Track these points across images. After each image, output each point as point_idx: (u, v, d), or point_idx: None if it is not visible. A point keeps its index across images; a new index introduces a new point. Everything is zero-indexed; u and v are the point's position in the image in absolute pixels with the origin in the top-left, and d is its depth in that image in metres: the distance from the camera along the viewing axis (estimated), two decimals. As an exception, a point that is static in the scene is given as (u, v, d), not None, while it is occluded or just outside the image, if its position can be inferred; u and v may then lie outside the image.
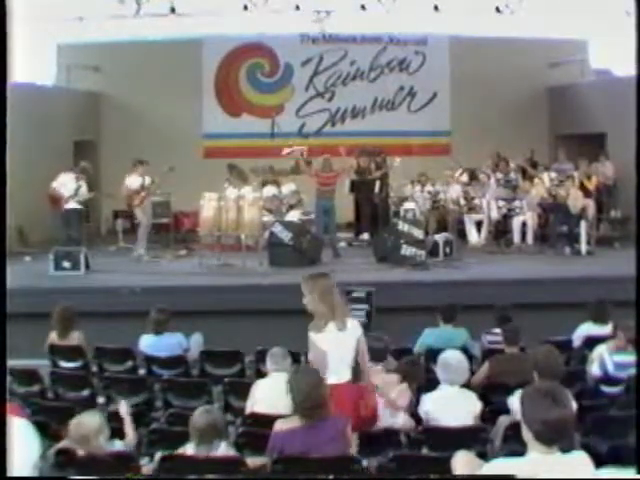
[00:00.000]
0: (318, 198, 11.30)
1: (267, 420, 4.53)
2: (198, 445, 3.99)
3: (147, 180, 11.00)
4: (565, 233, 11.21)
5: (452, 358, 4.97)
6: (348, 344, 4.49)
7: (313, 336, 4.43)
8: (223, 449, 4.02)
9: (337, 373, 4.46)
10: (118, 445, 4.22)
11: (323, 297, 4.43)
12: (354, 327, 4.55)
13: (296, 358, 6.01)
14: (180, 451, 4.09)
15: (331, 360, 4.43)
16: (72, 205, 10.66)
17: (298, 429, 3.99)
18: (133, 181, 10.99)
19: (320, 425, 3.98)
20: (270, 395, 4.98)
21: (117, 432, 4.35)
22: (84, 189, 10.78)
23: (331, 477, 3.90)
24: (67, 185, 10.62)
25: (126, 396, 5.78)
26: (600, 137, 13.66)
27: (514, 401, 4.50)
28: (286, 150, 11.97)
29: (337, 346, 4.44)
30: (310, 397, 3.95)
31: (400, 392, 4.97)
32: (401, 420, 4.65)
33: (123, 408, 4.62)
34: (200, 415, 4.02)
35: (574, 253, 10.91)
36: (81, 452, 3.93)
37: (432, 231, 11.46)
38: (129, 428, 4.49)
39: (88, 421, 3.98)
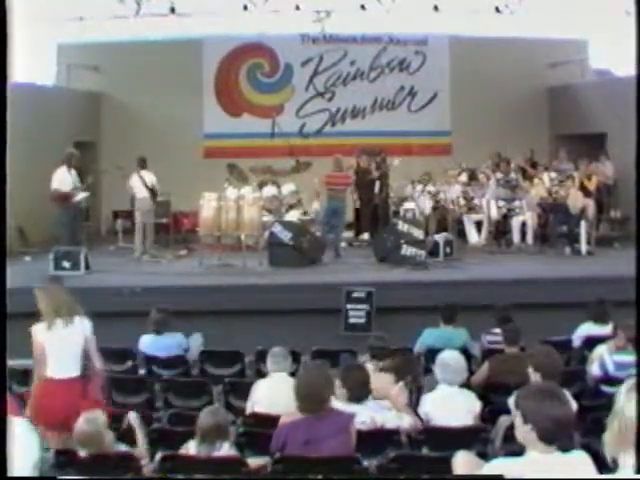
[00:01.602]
0: (330, 199, 11.19)
1: (268, 420, 4.55)
2: (201, 444, 3.99)
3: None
4: (565, 233, 11.20)
5: (450, 358, 4.98)
6: (74, 340, 4.89)
7: (35, 331, 4.85)
8: (226, 449, 4.02)
9: (63, 368, 4.84)
10: (122, 448, 4.22)
11: (50, 298, 4.90)
12: (83, 325, 4.95)
13: (296, 358, 6.02)
14: (182, 449, 4.10)
15: (57, 355, 4.83)
16: (80, 196, 10.65)
17: (301, 421, 4.05)
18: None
19: (323, 418, 4.03)
20: (270, 395, 5.00)
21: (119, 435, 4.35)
22: (76, 178, 10.73)
23: (331, 477, 3.90)
24: (64, 180, 10.55)
25: (126, 396, 5.80)
26: (600, 137, 13.65)
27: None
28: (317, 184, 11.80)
29: (62, 342, 4.83)
30: (311, 393, 4.03)
31: (398, 391, 4.97)
32: (407, 423, 4.64)
33: (132, 416, 4.56)
34: (206, 415, 4.04)
35: (574, 253, 10.90)
36: (83, 453, 3.92)
37: (432, 231, 11.44)
38: (140, 436, 4.45)
39: (96, 417, 3.99)
